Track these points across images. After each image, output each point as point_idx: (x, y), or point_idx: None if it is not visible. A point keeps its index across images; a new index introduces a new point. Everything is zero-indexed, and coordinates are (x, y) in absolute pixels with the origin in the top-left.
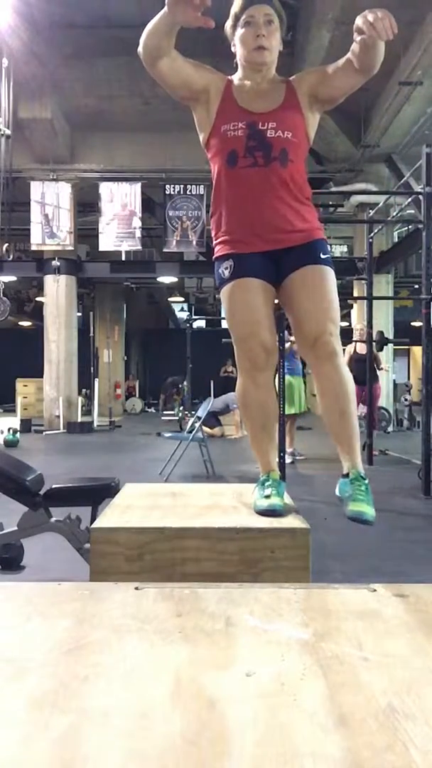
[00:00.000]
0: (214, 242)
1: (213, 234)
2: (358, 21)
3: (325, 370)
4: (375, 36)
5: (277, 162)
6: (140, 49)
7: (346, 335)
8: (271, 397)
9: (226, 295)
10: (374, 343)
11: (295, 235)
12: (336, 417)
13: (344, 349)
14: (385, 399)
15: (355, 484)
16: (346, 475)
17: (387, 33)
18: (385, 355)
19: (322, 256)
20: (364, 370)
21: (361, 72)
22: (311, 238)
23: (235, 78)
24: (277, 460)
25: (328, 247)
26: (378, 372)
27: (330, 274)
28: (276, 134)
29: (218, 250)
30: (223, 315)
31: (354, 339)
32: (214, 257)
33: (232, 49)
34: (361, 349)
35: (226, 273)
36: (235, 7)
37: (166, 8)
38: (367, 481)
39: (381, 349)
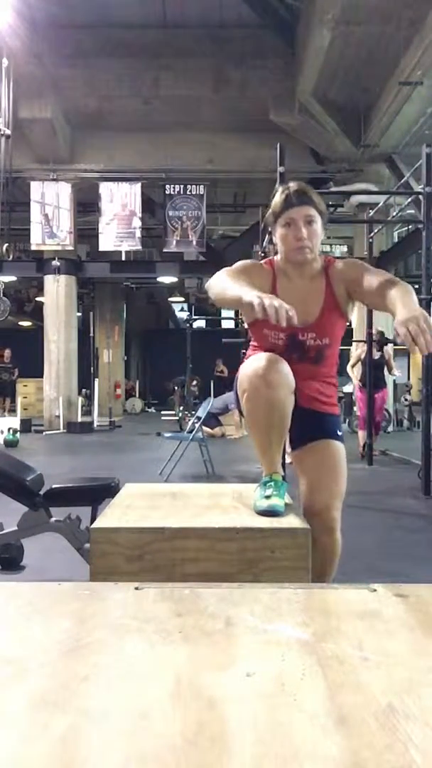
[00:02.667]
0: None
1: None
2: (400, 327)
3: (324, 540)
4: (412, 349)
5: (311, 361)
6: (212, 298)
7: (347, 336)
8: (281, 396)
9: (252, 356)
10: (374, 343)
11: (316, 404)
12: (317, 577)
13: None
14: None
15: None
16: None
17: (425, 349)
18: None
19: (339, 433)
20: (379, 375)
21: (384, 310)
22: (330, 413)
23: (278, 268)
24: (280, 461)
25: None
26: (388, 376)
27: (342, 451)
28: (315, 342)
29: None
30: (226, 314)
31: (363, 340)
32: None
33: (273, 240)
34: (377, 354)
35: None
36: (275, 206)
37: (244, 300)
38: None
39: (381, 349)
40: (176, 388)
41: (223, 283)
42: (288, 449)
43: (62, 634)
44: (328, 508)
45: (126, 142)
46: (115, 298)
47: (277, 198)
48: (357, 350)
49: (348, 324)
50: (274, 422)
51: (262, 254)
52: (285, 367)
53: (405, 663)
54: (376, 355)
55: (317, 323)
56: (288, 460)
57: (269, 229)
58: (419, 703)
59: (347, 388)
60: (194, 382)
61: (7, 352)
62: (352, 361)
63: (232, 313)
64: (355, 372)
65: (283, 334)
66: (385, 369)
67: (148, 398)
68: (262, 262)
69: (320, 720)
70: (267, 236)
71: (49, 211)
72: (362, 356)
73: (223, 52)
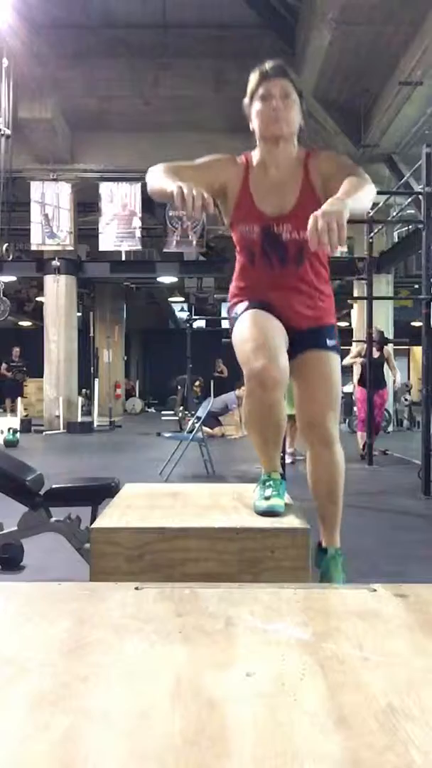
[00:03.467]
0: (234, 300)
1: (230, 296)
2: (311, 217)
3: (321, 454)
4: (315, 249)
5: (293, 263)
6: (148, 191)
7: (347, 336)
8: (278, 397)
9: (240, 319)
10: (374, 344)
11: (305, 322)
12: (324, 498)
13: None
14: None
15: (332, 563)
16: (324, 550)
17: (332, 249)
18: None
19: (329, 343)
20: (379, 374)
21: None
22: (321, 324)
23: (254, 158)
24: (279, 459)
25: (336, 331)
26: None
27: (335, 360)
28: (292, 236)
29: (234, 302)
30: (226, 314)
31: (363, 340)
32: (230, 304)
33: (251, 126)
34: (376, 353)
35: (241, 308)
36: (251, 83)
37: (172, 189)
38: (343, 557)
39: (381, 349)
40: (179, 387)
41: (155, 174)
42: (288, 449)
43: (62, 634)
44: (322, 420)
45: (126, 142)
46: (115, 298)
47: (252, 76)
48: (356, 347)
49: (348, 325)
50: (271, 422)
51: None
52: (281, 361)
53: (405, 663)
54: (376, 354)
55: (293, 213)
56: (288, 460)
57: (249, 120)
58: (419, 703)
59: (347, 388)
60: (197, 382)
61: (16, 351)
62: (351, 354)
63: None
64: (354, 371)
65: (257, 226)
66: (386, 367)
67: (148, 398)
68: (238, 156)
69: (320, 720)
70: None
71: (49, 211)
72: (362, 353)
73: (223, 52)
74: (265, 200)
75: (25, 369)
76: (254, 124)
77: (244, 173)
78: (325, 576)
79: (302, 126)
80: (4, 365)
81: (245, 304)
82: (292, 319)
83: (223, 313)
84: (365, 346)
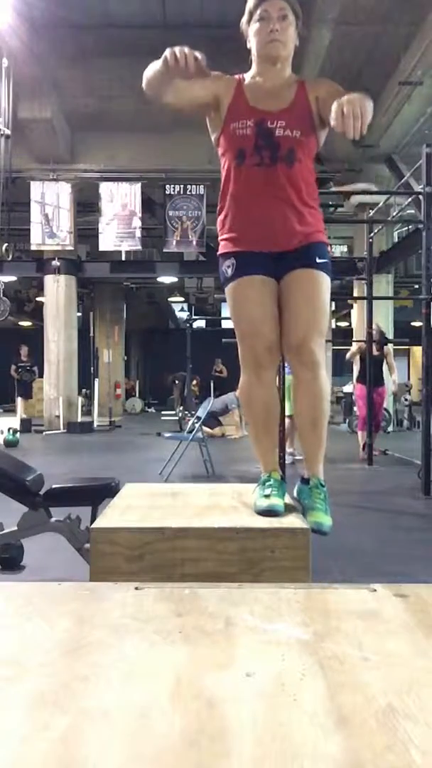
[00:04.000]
0: (219, 238)
1: (218, 230)
2: (335, 105)
3: (304, 377)
4: (341, 131)
5: (284, 162)
6: (144, 88)
7: (347, 335)
8: (274, 396)
9: (230, 293)
10: (374, 344)
11: (294, 239)
12: (308, 426)
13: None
14: (385, 399)
15: (314, 492)
16: (306, 481)
17: (354, 132)
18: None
19: (318, 261)
20: (381, 372)
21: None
22: (309, 241)
23: (248, 75)
24: (278, 459)
25: (328, 250)
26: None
27: (323, 279)
28: (284, 133)
29: (222, 247)
30: (226, 314)
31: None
32: (218, 254)
33: (248, 45)
34: (376, 351)
35: (230, 271)
36: (250, 3)
37: (162, 65)
38: (325, 489)
39: (381, 349)
40: (176, 382)
41: (152, 65)
42: (288, 449)
43: (62, 634)
44: (306, 341)
45: (126, 142)
46: (115, 298)
47: None
48: (356, 345)
49: (348, 325)
50: (268, 418)
51: None
52: (271, 339)
53: (405, 663)
54: (376, 352)
55: (288, 110)
56: (288, 460)
57: (246, 39)
58: (419, 703)
59: (347, 388)
60: (194, 381)
61: (24, 350)
62: (351, 351)
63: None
64: (354, 369)
65: (251, 121)
66: (385, 366)
67: (148, 398)
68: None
69: (320, 720)
70: None
71: (49, 211)
72: (362, 348)
73: (223, 52)
74: (260, 100)
75: (33, 369)
76: (251, 44)
77: (237, 85)
78: (308, 509)
79: (296, 45)
80: (12, 366)
81: (232, 262)
82: (280, 236)
83: (224, 314)
84: (367, 347)
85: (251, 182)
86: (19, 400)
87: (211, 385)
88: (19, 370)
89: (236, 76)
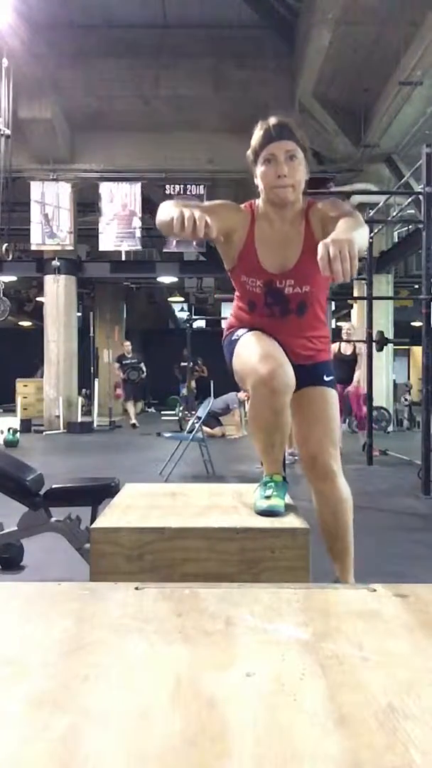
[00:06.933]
0: (228, 330)
1: (227, 326)
2: (321, 245)
3: (323, 488)
4: (327, 276)
5: (294, 314)
6: (157, 225)
7: (338, 335)
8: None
9: (242, 339)
10: (374, 344)
11: (301, 359)
12: (332, 536)
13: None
14: (385, 399)
15: None
16: (336, 580)
17: (344, 276)
18: (385, 355)
19: (326, 379)
20: (347, 369)
21: None
22: (317, 360)
23: (259, 208)
24: (282, 461)
25: (332, 368)
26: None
27: (332, 396)
28: (294, 290)
29: (231, 330)
30: (226, 314)
31: (341, 339)
32: (228, 329)
33: (255, 181)
34: (345, 349)
35: (242, 332)
36: (254, 142)
37: (169, 225)
38: None
39: (381, 349)
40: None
41: (166, 209)
42: (288, 450)
43: (62, 634)
44: (321, 455)
45: (126, 142)
46: (115, 298)
47: (257, 133)
48: (333, 346)
49: (346, 320)
50: (278, 426)
51: None
52: (288, 370)
53: (405, 663)
54: (349, 351)
55: (295, 269)
56: (288, 460)
57: (252, 174)
58: (419, 703)
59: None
60: (197, 368)
61: (128, 345)
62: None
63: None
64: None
65: (260, 281)
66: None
67: (148, 398)
68: (242, 205)
69: (320, 720)
70: None
71: (49, 211)
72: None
73: (223, 52)
74: (268, 257)
75: (140, 365)
76: (259, 185)
77: (249, 224)
78: None
79: (306, 179)
80: (116, 365)
81: (245, 329)
82: (289, 353)
83: (224, 313)
84: (338, 345)
85: (264, 325)
86: (129, 405)
87: (211, 384)
88: (126, 368)
89: (248, 207)
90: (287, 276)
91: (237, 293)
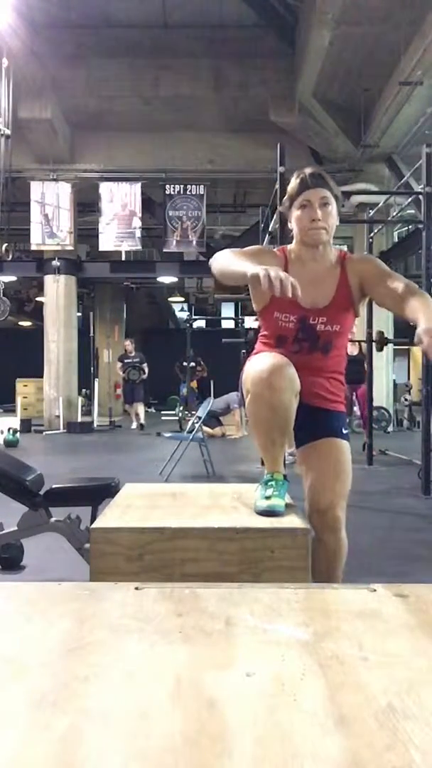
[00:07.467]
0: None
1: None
2: (424, 336)
3: (328, 539)
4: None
5: (321, 351)
6: (214, 273)
7: None
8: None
9: (259, 354)
10: (374, 344)
11: (318, 400)
12: (322, 580)
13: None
14: (385, 399)
15: None
16: None
17: None
18: (385, 355)
19: (344, 431)
20: (354, 369)
21: (402, 316)
22: (336, 410)
23: (292, 252)
24: (283, 459)
25: (346, 420)
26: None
27: (347, 449)
28: (325, 328)
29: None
30: (226, 314)
31: (363, 340)
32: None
33: (289, 226)
34: (350, 350)
35: (264, 352)
36: (291, 189)
37: (249, 274)
38: None
39: (381, 350)
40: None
41: (228, 259)
42: (288, 449)
43: (62, 634)
44: (332, 508)
45: (126, 142)
46: (115, 298)
47: (293, 182)
48: None
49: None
50: (277, 424)
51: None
52: (291, 371)
53: (405, 663)
54: (355, 351)
55: (329, 307)
56: (288, 460)
57: (287, 220)
58: (419, 703)
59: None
60: (198, 368)
61: (129, 344)
62: None
63: (232, 313)
64: None
65: (294, 316)
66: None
67: (148, 398)
68: (275, 249)
69: (320, 720)
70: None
71: (49, 211)
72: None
73: (223, 52)
74: (303, 293)
75: (142, 366)
76: (294, 228)
77: (283, 267)
78: None
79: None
80: (118, 364)
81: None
82: (305, 393)
83: (224, 313)
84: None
85: (289, 359)
86: (138, 407)
87: (211, 384)
88: (126, 368)
89: (281, 252)
90: (321, 313)
91: (263, 332)
